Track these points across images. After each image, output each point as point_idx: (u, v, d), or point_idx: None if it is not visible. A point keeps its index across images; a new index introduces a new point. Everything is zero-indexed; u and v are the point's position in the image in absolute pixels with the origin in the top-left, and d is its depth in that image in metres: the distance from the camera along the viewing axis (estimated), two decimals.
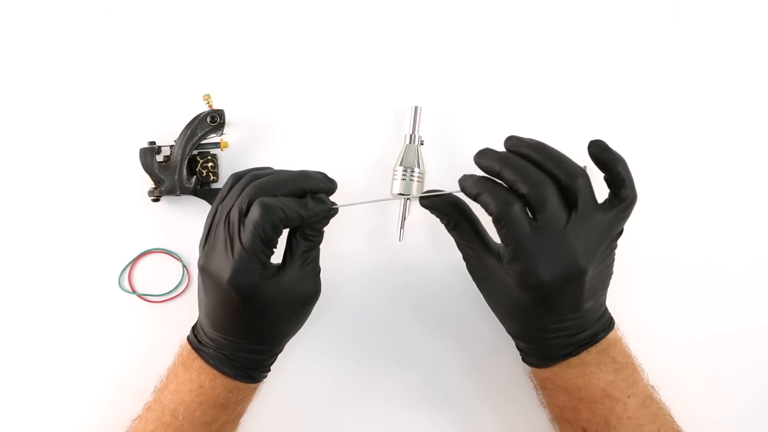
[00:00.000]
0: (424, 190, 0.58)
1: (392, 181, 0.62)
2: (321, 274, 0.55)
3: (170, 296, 0.64)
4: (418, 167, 0.62)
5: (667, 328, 0.63)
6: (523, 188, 0.49)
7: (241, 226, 0.50)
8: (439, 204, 0.55)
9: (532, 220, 0.49)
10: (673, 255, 0.64)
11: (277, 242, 0.51)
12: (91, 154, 0.65)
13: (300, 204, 0.51)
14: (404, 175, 0.62)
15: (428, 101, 0.65)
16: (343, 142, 0.65)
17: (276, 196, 0.51)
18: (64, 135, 0.65)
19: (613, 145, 0.51)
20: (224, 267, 0.50)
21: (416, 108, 0.63)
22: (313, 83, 0.66)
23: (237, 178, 0.54)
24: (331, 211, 0.53)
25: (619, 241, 0.53)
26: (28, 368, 0.63)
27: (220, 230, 0.51)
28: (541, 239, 0.49)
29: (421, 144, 0.63)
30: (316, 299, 0.55)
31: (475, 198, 0.51)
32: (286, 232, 0.53)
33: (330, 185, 0.54)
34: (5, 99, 0.66)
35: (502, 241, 0.50)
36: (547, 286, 0.49)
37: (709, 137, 0.65)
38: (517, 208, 0.49)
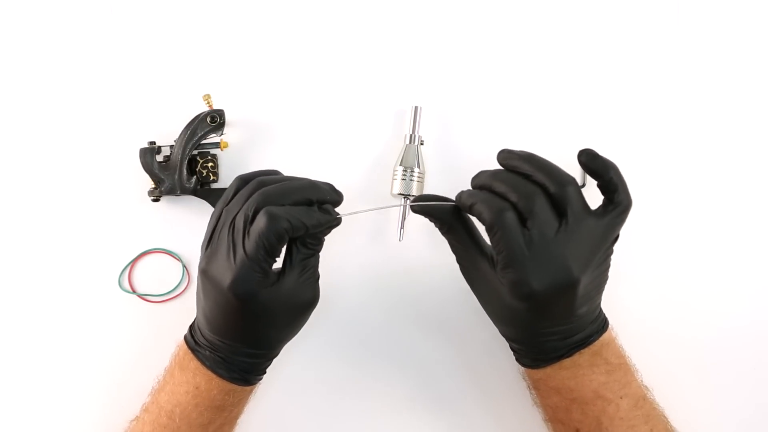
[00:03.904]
0: (415, 197, 0.58)
1: (392, 181, 0.63)
2: (321, 273, 0.55)
3: (170, 296, 0.64)
4: (418, 167, 0.62)
5: (662, 328, 0.63)
6: (513, 197, 0.50)
7: (246, 234, 0.50)
8: (432, 209, 0.55)
9: (524, 228, 0.49)
10: (669, 254, 0.64)
11: (280, 251, 0.51)
12: (91, 154, 0.65)
13: (306, 214, 0.50)
14: (404, 175, 0.62)
15: (428, 101, 0.65)
16: (343, 142, 0.65)
17: (282, 205, 0.50)
18: (64, 135, 0.65)
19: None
20: (225, 273, 0.50)
21: (416, 108, 0.63)
22: (313, 83, 0.66)
23: (243, 181, 0.53)
24: (335, 221, 0.53)
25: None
26: (27, 368, 0.63)
27: (224, 235, 0.51)
28: (532, 247, 0.49)
29: (421, 144, 0.63)
30: (315, 306, 0.54)
31: (469, 209, 0.51)
32: None
33: (337, 197, 0.54)
34: (5, 99, 0.66)
35: (494, 248, 0.50)
36: (539, 295, 0.49)
37: (705, 138, 0.65)
38: (510, 215, 0.49)
